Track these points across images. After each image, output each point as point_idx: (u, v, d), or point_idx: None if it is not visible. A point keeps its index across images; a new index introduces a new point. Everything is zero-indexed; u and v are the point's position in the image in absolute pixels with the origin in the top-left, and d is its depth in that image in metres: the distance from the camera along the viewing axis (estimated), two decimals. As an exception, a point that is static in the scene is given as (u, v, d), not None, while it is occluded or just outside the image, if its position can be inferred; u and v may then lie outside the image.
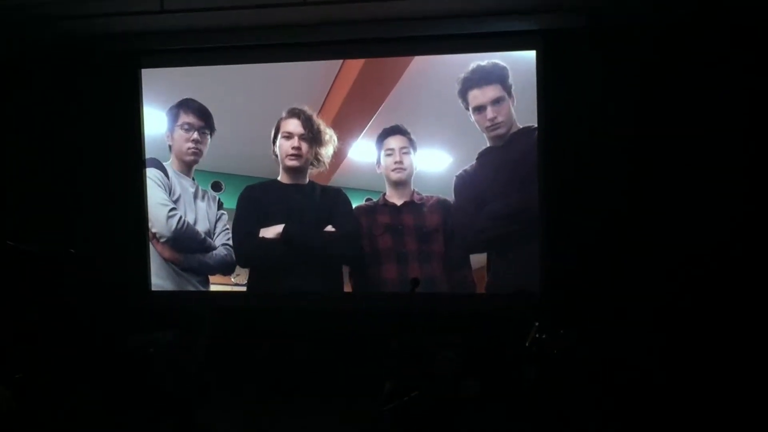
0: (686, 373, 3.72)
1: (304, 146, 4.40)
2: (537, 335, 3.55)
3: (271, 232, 4.45)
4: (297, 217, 4.44)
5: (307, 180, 4.46)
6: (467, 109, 4.24)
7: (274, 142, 4.44)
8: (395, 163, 4.33)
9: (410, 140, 4.32)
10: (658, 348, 3.86)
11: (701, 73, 3.99)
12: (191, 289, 4.55)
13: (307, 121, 4.39)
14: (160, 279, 4.57)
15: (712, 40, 3.97)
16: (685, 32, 4.00)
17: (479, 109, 4.22)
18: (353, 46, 4.36)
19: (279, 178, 4.47)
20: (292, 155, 4.41)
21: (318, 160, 4.42)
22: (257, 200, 4.47)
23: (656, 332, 3.90)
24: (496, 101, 4.20)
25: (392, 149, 4.33)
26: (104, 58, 4.48)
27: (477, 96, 4.22)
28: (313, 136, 4.40)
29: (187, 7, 3.95)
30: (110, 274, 4.44)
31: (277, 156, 4.45)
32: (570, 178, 4.12)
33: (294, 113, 4.41)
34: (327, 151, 4.41)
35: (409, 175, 4.35)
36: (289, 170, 4.45)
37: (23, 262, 4.02)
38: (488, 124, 4.22)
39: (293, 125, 4.40)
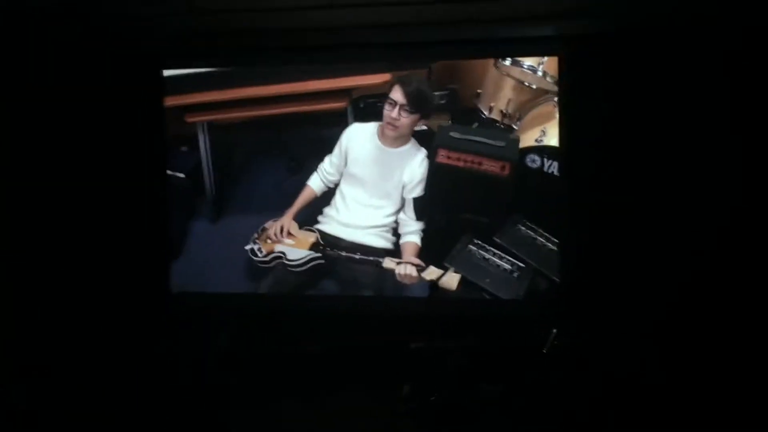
0: (698, 398, 3.66)
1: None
2: (555, 342, 3.57)
3: None
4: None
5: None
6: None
7: None
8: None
9: None
10: (669, 357, 3.83)
11: (730, 78, 3.84)
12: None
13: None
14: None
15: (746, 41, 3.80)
16: (716, 35, 3.85)
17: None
18: (374, 51, 4.36)
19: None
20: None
21: None
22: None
23: (672, 342, 3.87)
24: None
25: None
26: (125, 58, 4.47)
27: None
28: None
29: (215, 7, 3.93)
30: (130, 278, 4.45)
31: None
32: (590, 186, 4.08)
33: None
34: None
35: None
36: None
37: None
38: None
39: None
